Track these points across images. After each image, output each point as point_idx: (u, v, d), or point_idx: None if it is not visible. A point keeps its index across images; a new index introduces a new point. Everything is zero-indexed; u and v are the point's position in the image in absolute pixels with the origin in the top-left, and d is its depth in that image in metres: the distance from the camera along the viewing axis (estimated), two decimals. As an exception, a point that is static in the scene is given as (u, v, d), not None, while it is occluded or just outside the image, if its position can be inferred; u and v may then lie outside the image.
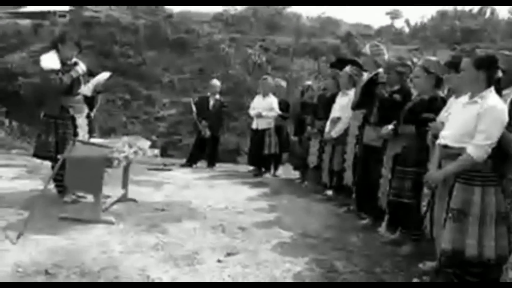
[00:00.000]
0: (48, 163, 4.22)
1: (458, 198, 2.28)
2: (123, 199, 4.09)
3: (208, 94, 7.44)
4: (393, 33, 47.68)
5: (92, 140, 3.74)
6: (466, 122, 2.28)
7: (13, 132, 10.36)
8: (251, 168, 7.07)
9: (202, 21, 39.74)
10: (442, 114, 2.76)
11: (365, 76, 4.14)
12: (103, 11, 33.99)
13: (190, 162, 7.34)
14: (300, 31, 43.11)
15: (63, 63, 3.81)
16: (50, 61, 3.74)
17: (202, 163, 7.57)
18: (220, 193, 4.92)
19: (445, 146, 2.40)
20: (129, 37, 30.64)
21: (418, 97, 3.13)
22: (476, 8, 46.30)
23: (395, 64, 3.54)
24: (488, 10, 45.87)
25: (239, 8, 47.27)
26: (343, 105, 4.53)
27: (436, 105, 2.93)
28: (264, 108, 6.18)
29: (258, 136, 6.27)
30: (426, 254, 3.02)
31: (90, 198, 3.94)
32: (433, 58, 3.12)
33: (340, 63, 5.50)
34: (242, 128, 21.08)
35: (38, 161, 4.58)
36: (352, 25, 52.89)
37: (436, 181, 2.39)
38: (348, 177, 4.19)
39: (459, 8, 47.83)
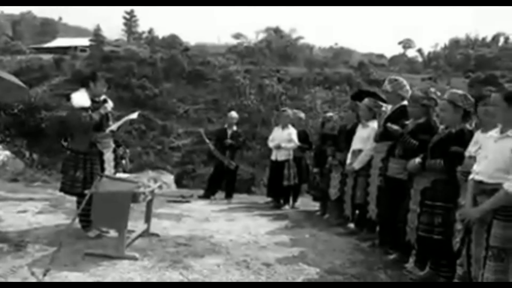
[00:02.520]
0: (70, 197, 4.28)
1: (498, 235, 2.21)
2: (146, 233, 4.08)
3: (226, 125, 7.52)
4: (406, 62, 48.10)
5: (118, 175, 3.78)
6: (500, 157, 2.25)
7: (33, 164, 10.55)
8: (268, 199, 7.03)
9: (217, 54, 40.84)
10: (471, 148, 2.72)
11: (388, 107, 4.14)
12: (122, 45, 35.24)
13: (208, 194, 7.33)
14: (312, 61, 43.83)
15: (92, 100, 3.93)
16: (81, 99, 3.86)
17: (219, 194, 7.58)
18: (241, 227, 4.87)
19: (480, 182, 2.36)
20: (147, 69, 31.57)
21: (445, 131, 3.10)
22: (489, 36, 46.60)
23: (419, 97, 3.54)
24: (501, 38, 46.10)
25: (253, 40, 48.46)
26: (363, 137, 4.52)
27: (464, 138, 2.89)
28: (283, 139, 6.20)
29: (277, 167, 6.26)
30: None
31: (113, 232, 3.97)
32: (460, 92, 3.11)
33: (361, 95, 5.56)
34: (256, 158, 21.14)
35: (61, 194, 4.63)
36: (364, 54, 53.65)
37: (473, 218, 2.33)
38: (372, 211, 4.11)
39: (472, 36, 48.22)
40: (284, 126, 6.28)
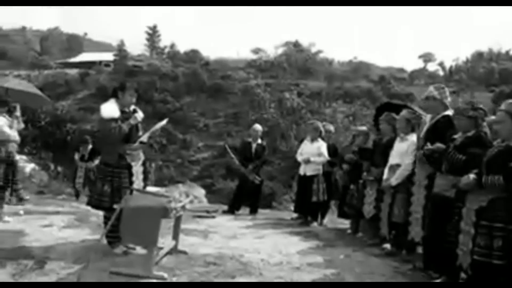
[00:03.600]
0: (96, 211, 4.15)
1: None
2: (174, 251, 3.90)
3: (250, 139, 7.37)
4: (427, 76, 47.41)
5: (149, 189, 3.64)
6: None
7: (58, 177, 10.61)
8: (294, 215, 6.80)
9: (237, 68, 41.18)
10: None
11: (427, 117, 3.89)
12: (145, 60, 35.85)
13: (233, 209, 7.16)
14: (332, 75, 43.68)
15: (122, 110, 3.82)
16: (110, 109, 3.76)
17: (243, 209, 7.40)
18: (271, 245, 4.65)
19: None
20: (169, 84, 31.92)
21: (502, 144, 2.85)
22: (514, 49, 45.52)
23: (464, 108, 3.29)
24: (526, 51, 44.95)
25: (272, 54, 48.76)
26: (402, 151, 4.27)
27: (525, 153, 2.64)
28: (313, 153, 5.98)
29: (306, 182, 6.04)
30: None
31: (140, 249, 3.81)
32: (519, 102, 2.86)
33: (389, 107, 5.33)
34: (276, 173, 20.90)
35: (87, 207, 4.53)
36: (384, 68, 53.22)
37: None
38: (416, 232, 3.82)
39: (495, 49, 47.25)
40: (314, 139, 6.07)
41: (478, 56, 45.10)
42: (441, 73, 46.99)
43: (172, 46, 48.77)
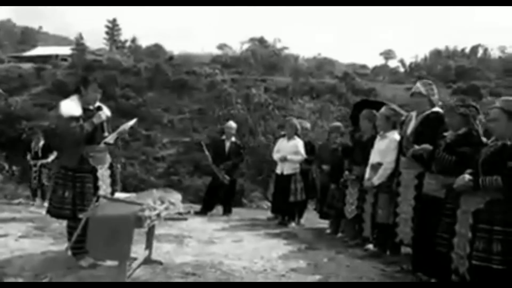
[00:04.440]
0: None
1: None
2: (148, 261, 3.57)
3: (224, 137, 7.10)
4: (388, 72, 48.75)
5: (118, 195, 3.28)
6: None
7: (13, 179, 9.84)
8: (270, 215, 6.61)
9: (201, 63, 40.52)
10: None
11: (413, 116, 3.77)
12: (104, 54, 34.45)
13: (205, 210, 6.87)
14: (298, 71, 43.96)
15: (85, 108, 3.42)
16: (70, 106, 3.35)
17: (216, 209, 7.12)
18: (251, 249, 4.41)
19: None
20: (130, 79, 30.86)
21: (497, 143, 2.74)
22: (468, 48, 47.75)
23: (455, 105, 3.18)
24: (480, 49, 47.28)
25: (237, 50, 48.42)
26: (382, 149, 4.14)
27: (523, 151, 2.54)
28: (290, 151, 5.78)
29: (283, 181, 5.84)
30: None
31: (109, 261, 3.45)
32: (515, 99, 2.76)
33: (366, 105, 5.23)
34: (244, 168, 20.67)
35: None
36: (347, 65, 54.25)
37: None
38: (405, 233, 3.70)
39: (451, 47, 49.29)
40: (290, 137, 5.87)
41: (436, 53, 46.84)
42: (401, 69, 48.53)
43: (134, 40, 47.39)
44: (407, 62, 49.25)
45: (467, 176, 2.77)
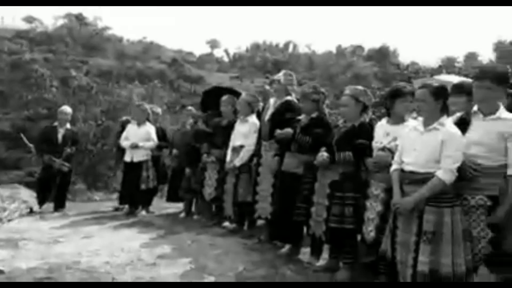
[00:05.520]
0: None
1: (431, 221, 2.39)
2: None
3: (56, 123, 6.23)
4: (215, 61, 50.77)
5: None
6: (430, 148, 2.43)
7: None
8: (114, 204, 6.20)
9: (3, 38, 34.14)
10: (383, 140, 2.88)
11: (271, 103, 4.10)
12: None
13: (42, 204, 5.94)
14: (123, 54, 41.57)
15: None
16: None
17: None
18: (107, 243, 4.05)
19: (411, 172, 2.51)
20: None
21: (347, 124, 3.23)
22: (282, 43, 53.66)
23: (310, 92, 3.60)
24: (291, 44, 53.71)
25: (50, 26, 42.65)
26: (244, 133, 4.37)
27: (367, 131, 3.07)
28: (141, 138, 5.49)
29: (134, 169, 5.52)
30: (362, 277, 3.11)
31: None
32: (360, 87, 3.28)
33: (216, 91, 5.45)
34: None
35: None
36: (175, 51, 54.01)
37: (408, 207, 2.46)
38: (263, 209, 4.00)
39: (268, 42, 54.50)
40: (141, 123, 5.57)
41: (256, 46, 51.04)
42: (226, 59, 51.18)
43: None
44: (231, 53, 52.17)
45: (325, 154, 3.19)
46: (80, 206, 7.27)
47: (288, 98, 3.96)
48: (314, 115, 3.60)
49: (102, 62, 35.39)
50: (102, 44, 41.79)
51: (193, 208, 5.59)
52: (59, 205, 6.18)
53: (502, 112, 2.49)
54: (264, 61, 46.08)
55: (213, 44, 55.16)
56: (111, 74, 31.72)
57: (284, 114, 3.87)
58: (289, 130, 3.65)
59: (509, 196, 2.39)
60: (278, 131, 3.72)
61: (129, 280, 3.04)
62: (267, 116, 4.04)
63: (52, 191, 6.08)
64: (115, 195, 7.96)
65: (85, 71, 30.26)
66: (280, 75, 4.03)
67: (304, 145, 3.51)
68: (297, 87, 4.04)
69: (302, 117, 3.67)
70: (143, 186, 5.52)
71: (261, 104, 4.51)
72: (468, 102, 2.75)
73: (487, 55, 31.65)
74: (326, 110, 3.71)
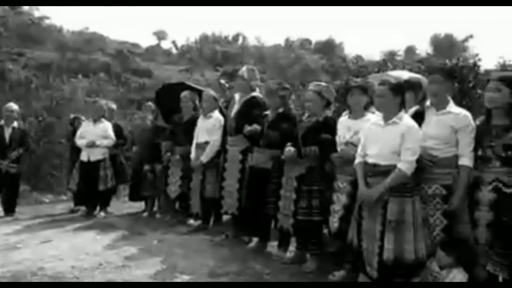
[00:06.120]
0: None
1: (394, 210, 2.56)
2: None
3: (2, 122, 5.85)
4: (162, 53, 49.43)
5: None
6: (391, 141, 2.60)
7: None
8: (71, 207, 5.96)
9: None
10: (345, 134, 3.03)
11: (236, 98, 4.12)
12: None
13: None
14: (63, 45, 39.34)
15: None
16: None
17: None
18: (69, 247, 3.93)
19: (374, 165, 2.67)
20: None
21: (311, 119, 3.34)
22: (231, 35, 53.35)
23: (276, 88, 3.68)
24: (240, 37, 53.54)
25: (-21, 14, 39.34)
26: (208, 129, 4.37)
27: (331, 126, 3.21)
28: (98, 136, 5.30)
29: (90, 169, 5.32)
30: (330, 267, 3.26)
31: None
32: (324, 83, 3.41)
33: (172, 87, 5.40)
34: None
35: None
36: (119, 42, 51.89)
37: (374, 198, 2.61)
38: (230, 204, 4.04)
39: (217, 33, 53.94)
40: (97, 120, 5.37)
41: (205, 38, 50.33)
42: (174, 51, 49.96)
43: None
44: (179, 44, 50.99)
45: (292, 148, 3.30)
46: (30, 210, 6.89)
47: (254, 94, 4.01)
48: (281, 110, 3.68)
49: (41, 54, 33.25)
50: (40, 34, 39.24)
51: (155, 207, 5.53)
52: (9, 210, 5.86)
53: (452, 106, 2.75)
54: (214, 53, 45.62)
55: (160, 35, 53.63)
56: (51, 67, 29.96)
57: (251, 110, 3.93)
58: (257, 127, 3.71)
59: (460, 184, 2.63)
60: (247, 127, 3.76)
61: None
62: (233, 111, 4.07)
63: (1, 194, 5.77)
64: (66, 197, 7.67)
65: (22, 64, 28.35)
66: (243, 70, 4.07)
67: (271, 140, 3.58)
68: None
69: (268, 112, 3.75)
70: (101, 187, 5.36)
71: (222, 100, 4.53)
72: (415, 98, 3.00)
73: (424, 49, 33.50)
74: (292, 105, 3.81)
